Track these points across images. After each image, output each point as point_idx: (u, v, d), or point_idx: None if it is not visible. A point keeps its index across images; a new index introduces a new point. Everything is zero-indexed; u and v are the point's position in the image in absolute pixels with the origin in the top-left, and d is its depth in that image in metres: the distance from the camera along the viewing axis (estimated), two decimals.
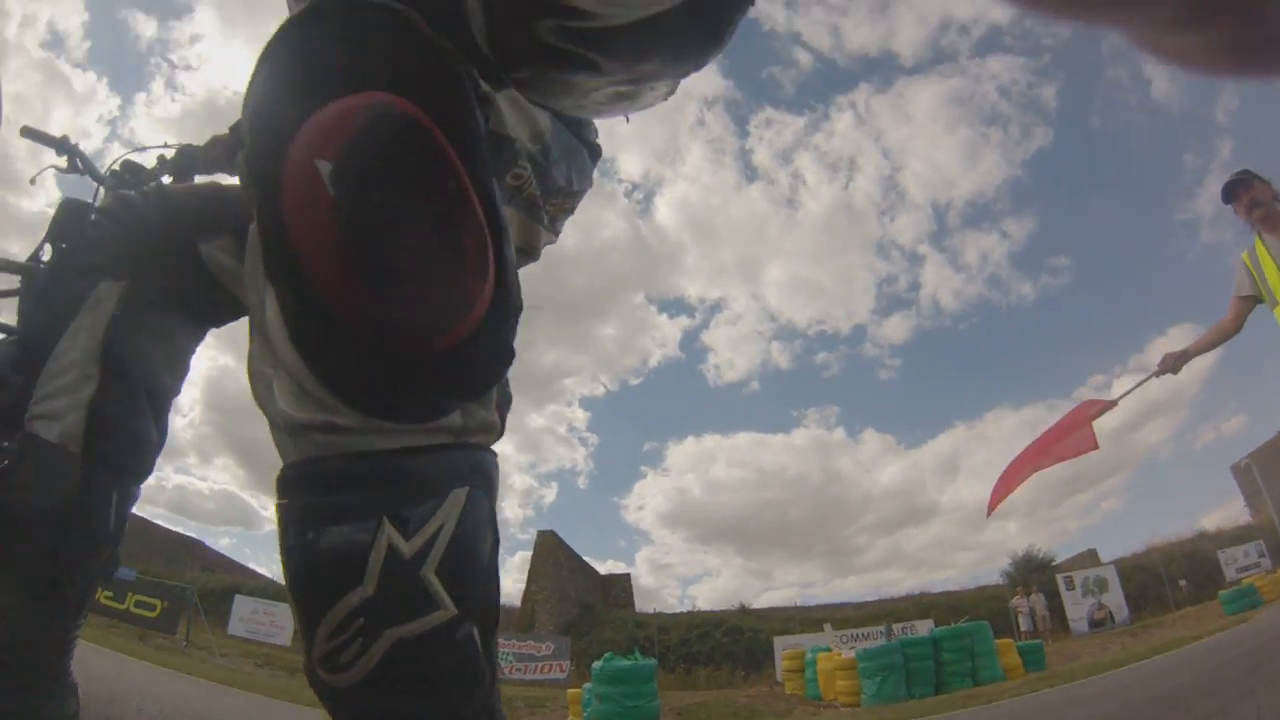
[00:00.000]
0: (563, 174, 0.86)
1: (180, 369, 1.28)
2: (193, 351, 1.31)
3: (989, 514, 5.65)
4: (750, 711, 10.12)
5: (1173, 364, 3.72)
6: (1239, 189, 3.49)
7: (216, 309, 1.26)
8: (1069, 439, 3.77)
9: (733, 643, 21.83)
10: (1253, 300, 3.62)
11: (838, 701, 10.51)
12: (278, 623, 16.98)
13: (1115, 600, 21.37)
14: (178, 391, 1.27)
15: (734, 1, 0.64)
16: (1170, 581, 23.64)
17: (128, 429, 1.12)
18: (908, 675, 9.88)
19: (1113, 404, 3.81)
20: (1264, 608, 11.94)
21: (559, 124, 0.83)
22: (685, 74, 0.76)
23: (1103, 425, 3.68)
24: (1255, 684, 2.87)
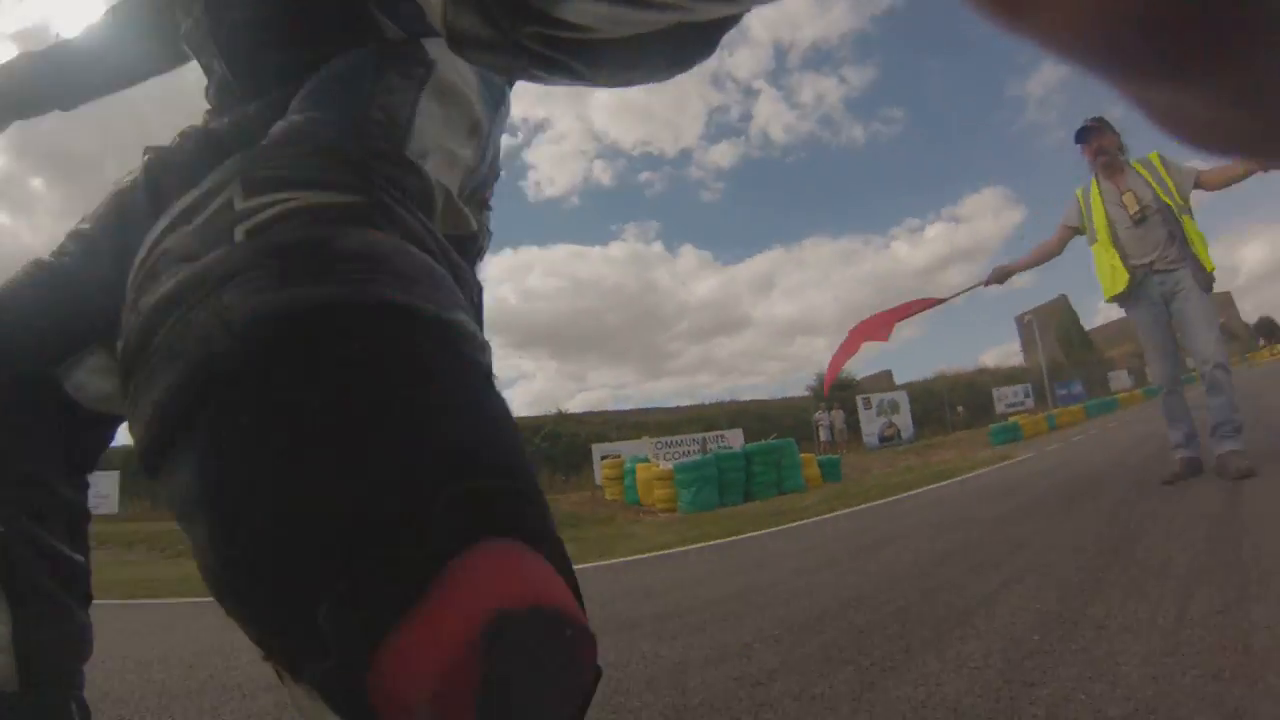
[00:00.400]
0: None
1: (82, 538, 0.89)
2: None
3: (826, 392, 6.02)
4: (575, 518, 10.56)
5: (999, 276, 4.12)
6: (1091, 135, 3.77)
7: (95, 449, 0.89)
8: (878, 326, 4.11)
9: (551, 447, 22.71)
10: (1075, 231, 3.97)
11: (655, 508, 11.25)
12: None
13: (904, 420, 24.58)
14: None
15: (729, 19, 0.46)
16: (950, 407, 27.55)
17: (62, 635, 0.83)
18: (720, 485, 10.64)
19: (941, 301, 4.20)
20: (1022, 442, 13.90)
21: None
22: (669, 78, 0.54)
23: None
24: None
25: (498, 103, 0.80)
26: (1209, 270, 3.55)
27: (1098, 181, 3.82)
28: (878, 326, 4.28)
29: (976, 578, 2.37)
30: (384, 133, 0.61)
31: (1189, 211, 3.64)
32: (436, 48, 0.72)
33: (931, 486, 7.00)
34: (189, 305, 0.42)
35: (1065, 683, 1.33)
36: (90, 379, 0.83)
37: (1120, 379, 35.04)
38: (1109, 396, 27.21)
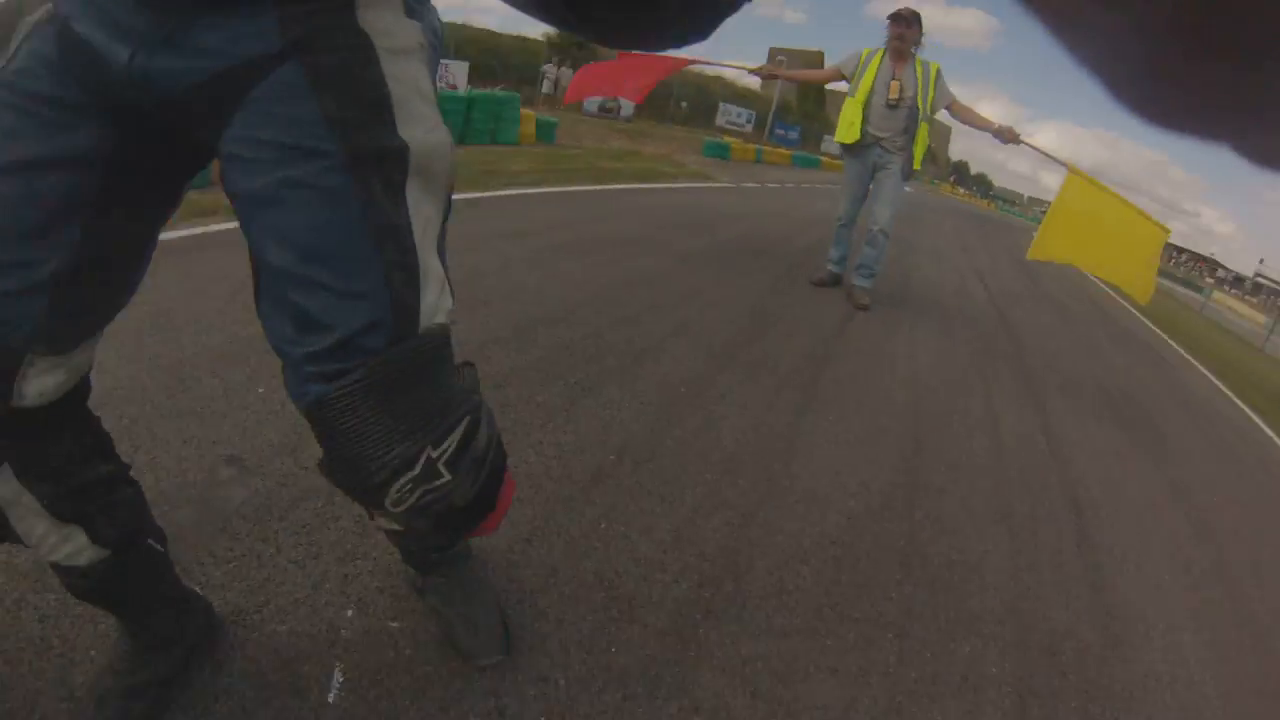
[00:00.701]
0: None
1: None
2: None
3: (564, 103, 5.67)
4: None
5: (766, 72, 4.68)
6: (901, 22, 4.23)
7: None
8: (637, 82, 4.49)
9: None
10: (842, 77, 4.50)
11: None
12: None
13: None
14: None
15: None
16: (676, 101, 28.34)
17: (116, 503, 0.89)
18: None
19: (706, 63, 5.24)
20: (728, 163, 15.30)
21: None
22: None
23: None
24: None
25: None
26: (915, 167, 4.39)
27: (883, 57, 4.32)
28: (636, 81, 4.49)
29: (655, 318, 3.15)
30: None
31: (928, 120, 4.32)
32: None
33: (638, 186, 7.67)
34: None
35: (698, 422, 2.18)
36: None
37: (832, 145, 37.25)
38: (816, 155, 29.18)
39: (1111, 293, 11.09)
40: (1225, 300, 34.78)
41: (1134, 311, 10.07)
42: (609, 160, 10.13)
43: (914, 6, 4.38)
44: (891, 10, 4.38)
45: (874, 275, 4.54)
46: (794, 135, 33.57)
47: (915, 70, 4.29)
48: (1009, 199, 72.06)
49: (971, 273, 8.00)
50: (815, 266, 5.13)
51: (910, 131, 4.32)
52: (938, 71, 4.31)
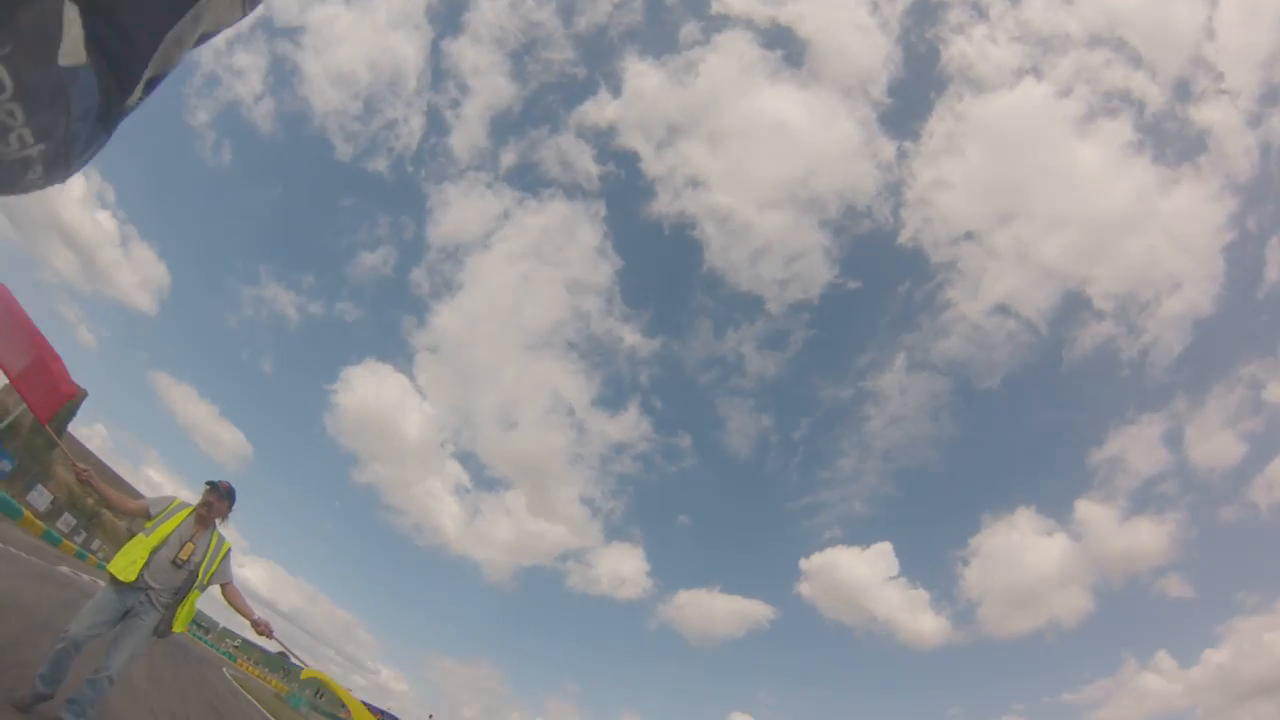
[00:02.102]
0: None
1: None
2: None
3: None
4: None
5: (82, 474, 4.61)
6: (215, 493, 4.82)
7: None
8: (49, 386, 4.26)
9: None
10: (146, 514, 4.65)
11: None
12: None
13: None
14: None
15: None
16: None
17: None
18: None
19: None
20: None
21: None
22: None
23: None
24: None
25: None
26: (173, 629, 4.48)
27: (189, 515, 4.66)
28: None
29: None
30: None
31: (202, 589, 4.59)
32: None
33: None
34: None
35: None
36: None
37: (43, 499, 29.22)
38: (20, 506, 24.42)
39: None
40: None
41: None
42: None
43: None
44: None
45: (84, 717, 4.12)
46: (5, 465, 27.46)
47: (211, 541, 4.64)
48: (206, 625, 75.03)
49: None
50: (19, 680, 4.42)
51: (182, 594, 4.47)
52: (228, 552, 4.73)
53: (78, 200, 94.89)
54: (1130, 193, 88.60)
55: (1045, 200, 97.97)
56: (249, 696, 21.53)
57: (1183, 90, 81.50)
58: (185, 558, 4.42)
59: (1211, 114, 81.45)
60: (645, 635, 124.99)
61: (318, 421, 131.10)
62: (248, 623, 4.66)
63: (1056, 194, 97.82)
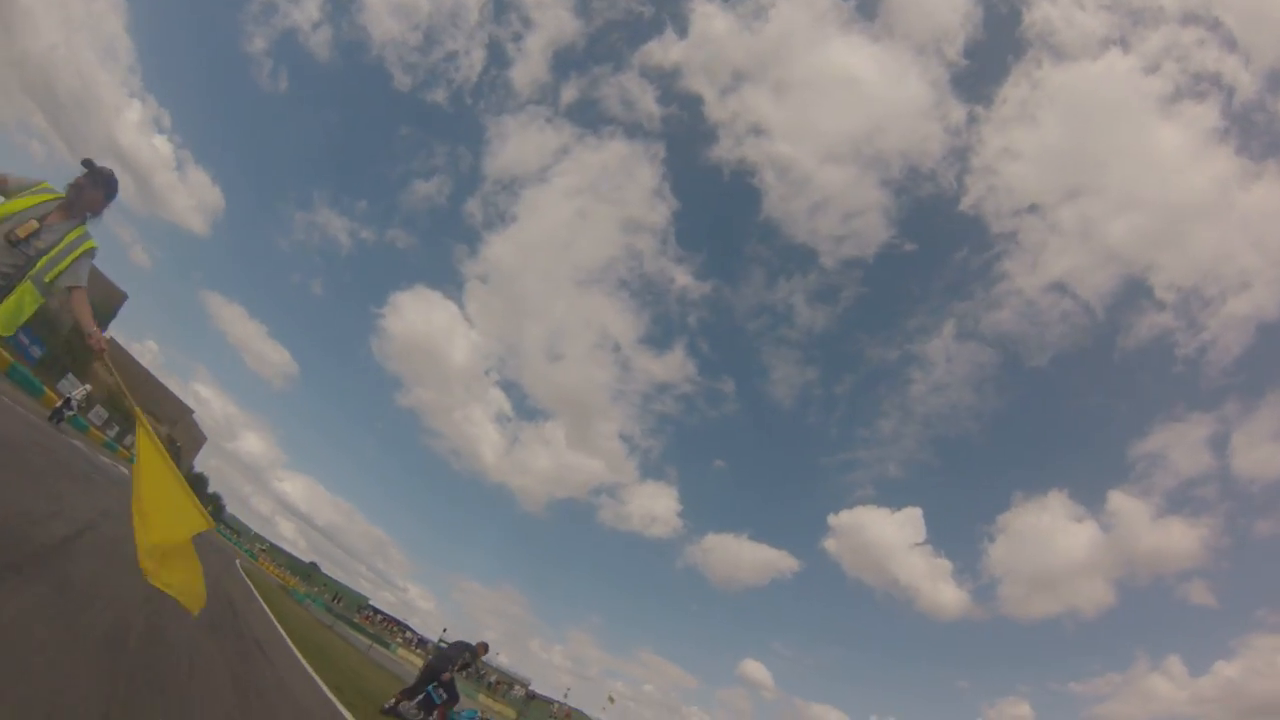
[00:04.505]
0: None
1: None
2: None
3: None
4: None
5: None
6: (90, 177, 3.94)
7: None
8: None
9: None
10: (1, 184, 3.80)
11: None
12: None
13: None
14: None
15: None
16: None
17: None
18: None
19: None
20: None
21: None
22: None
23: None
24: None
25: None
26: None
27: (54, 198, 3.85)
28: None
29: None
30: None
31: (40, 286, 3.71)
32: None
33: None
34: None
35: None
36: None
37: (71, 386, 28.98)
38: (40, 383, 25.38)
39: None
40: (405, 653, 47.18)
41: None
42: None
43: None
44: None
45: None
46: (36, 351, 28.35)
47: (70, 233, 3.83)
48: (238, 529, 71.83)
49: None
50: None
51: (11, 281, 3.65)
52: (87, 251, 3.89)
53: (134, 125, 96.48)
54: (1208, 182, 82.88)
55: (1117, 180, 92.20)
56: (246, 580, 22.54)
57: (1276, 80, 75.45)
58: (23, 235, 3.66)
59: None
60: (670, 575, 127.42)
61: (364, 345, 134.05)
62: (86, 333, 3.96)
63: (1130, 174, 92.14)
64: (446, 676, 10.81)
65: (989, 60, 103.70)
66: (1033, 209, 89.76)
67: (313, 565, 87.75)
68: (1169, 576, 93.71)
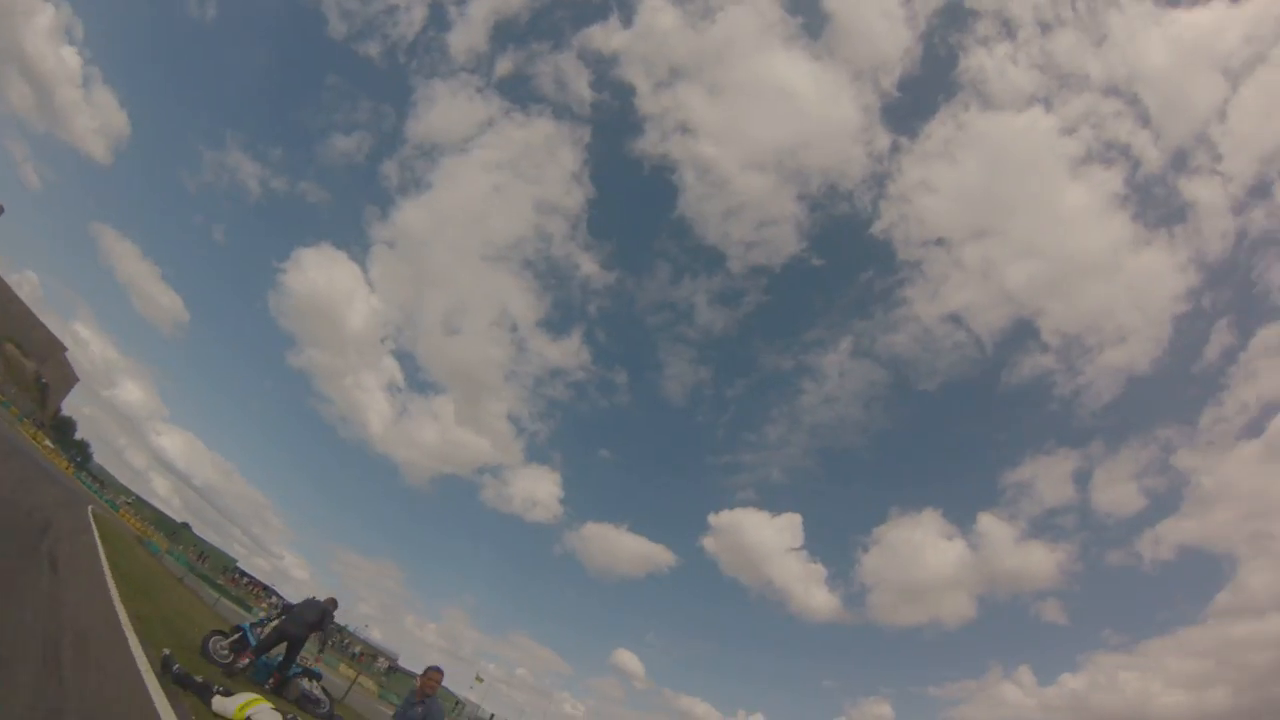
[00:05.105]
0: None
1: None
2: None
3: None
4: None
5: None
6: None
7: None
8: None
9: None
10: None
11: None
12: None
13: None
14: None
15: None
16: None
17: None
18: None
19: None
20: None
21: None
22: None
23: None
24: None
25: None
26: None
27: None
28: None
29: None
30: None
31: None
32: None
33: None
34: None
35: None
36: None
37: None
38: None
39: None
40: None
41: None
42: None
43: None
44: None
45: None
46: None
47: None
48: (103, 479, 70.45)
49: None
50: None
51: None
52: None
53: (43, 31, 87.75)
54: (1103, 242, 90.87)
55: (1022, 227, 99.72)
56: (91, 521, 21.35)
57: (1180, 160, 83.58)
58: None
59: (1200, 190, 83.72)
60: (549, 560, 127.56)
61: (261, 299, 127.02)
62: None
63: (1034, 224, 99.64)
64: (302, 633, 10.60)
65: (921, 96, 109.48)
66: (940, 242, 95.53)
67: (184, 525, 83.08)
68: (1026, 595, 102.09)
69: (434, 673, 7.92)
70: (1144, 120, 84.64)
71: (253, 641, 10.42)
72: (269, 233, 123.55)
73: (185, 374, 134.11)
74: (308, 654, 12.20)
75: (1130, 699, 79.90)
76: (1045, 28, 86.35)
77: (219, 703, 7.10)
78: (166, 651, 7.79)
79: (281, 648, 10.55)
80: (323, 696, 11.16)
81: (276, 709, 7.53)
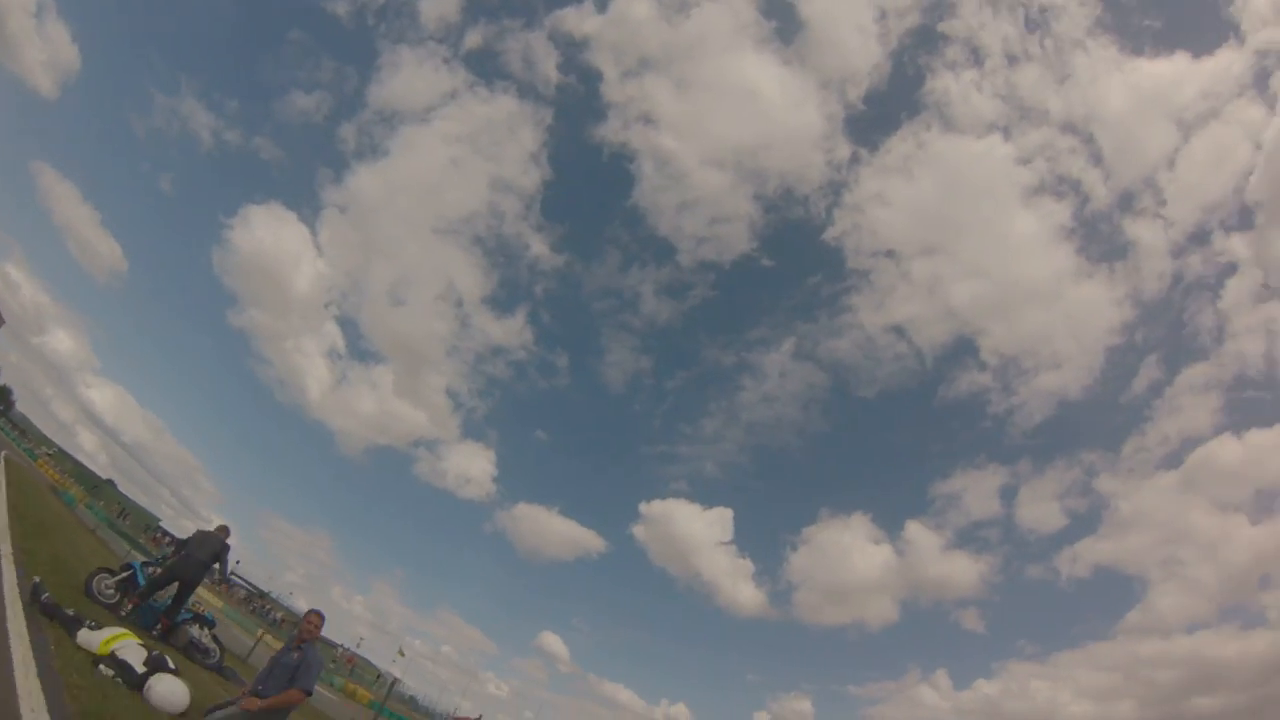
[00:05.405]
0: None
1: None
2: None
3: None
4: None
5: None
6: None
7: None
8: None
9: None
10: None
11: None
12: None
13: None
14: None
15: None
16: None
17: None
18: None
19: None
20: None
21: None
22: None
23: None
24: None
25: None
26: None
27: None
28: None
29: None
30: None
31: None
32: None
33: None
34: None
35: None
36: None
37: None
38: None
39: None
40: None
41: None
42: None
43: None
44: None
45: None
46: None
47: None
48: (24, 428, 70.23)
49: None
50: None
51: None
52: None
53: None
54: (1047, 270, 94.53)
55: (971, 248, 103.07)
56: (2, 471, 20.60)
57: (1126, 200, 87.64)
58: None
59: (1142, 231, 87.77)
60: (479, 538, 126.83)
61: (205, 254, 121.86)
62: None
63: (983, 246, 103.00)
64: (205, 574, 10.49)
65: (885, 111, 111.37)
66: (890, 254, 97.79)
67: (108, 482, 79.98)
68: (948, 602, 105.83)
69: (314, 616, 7.39)
70: (1097, 159, 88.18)
71: (142, 581, 10.11)
72: (218, 186, 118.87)
73: (120, 326, 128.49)
74: (203, 599, 11.99)
75: (1040, 707, 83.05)
76: (1012, 60, 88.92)
77: (85, 636, 7.11)
78: (37, 579, 7.74)
79: (173, 589, 10.29)
80: (213, 646, 11.02)
81: (144, 645, 7.52)
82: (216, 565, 10.71)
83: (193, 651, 10.53)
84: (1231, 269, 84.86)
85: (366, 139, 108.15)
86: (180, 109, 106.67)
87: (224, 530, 10.97)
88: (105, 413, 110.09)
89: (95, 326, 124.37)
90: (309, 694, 6.87)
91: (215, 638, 11.32)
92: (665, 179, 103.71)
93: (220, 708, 6.67)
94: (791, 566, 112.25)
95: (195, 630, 10.81)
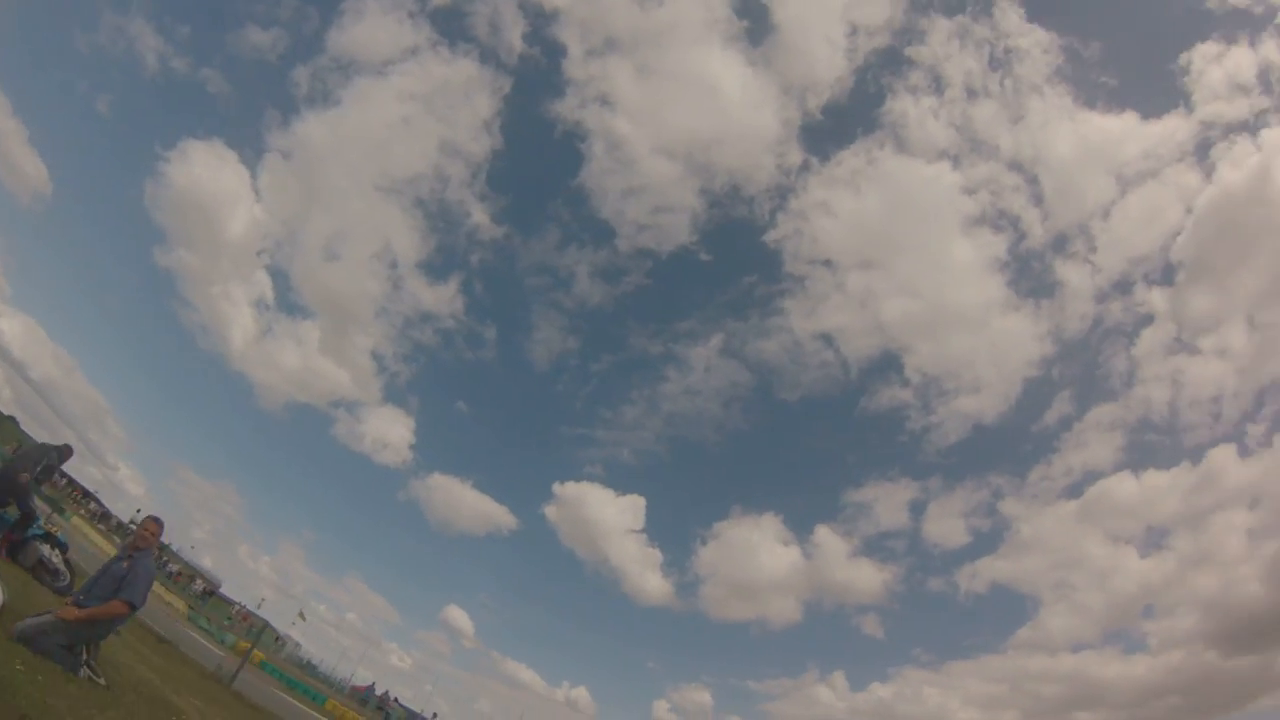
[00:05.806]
0: None
1: None
2: None
3: None
4: None
5: None
6: None
7: None
8: None
9: None
10: None
11: None
12: None
13: None
14: None
15: None
16: None
17: None
18: None
19: None
20: None
21: None
22: None
23: None
24: None
25: None
26: None
27: None
28: None
29: None
30: None
31: None
32: None
33: None
34: None
35: None
36: None
37: None
38: None
39: None
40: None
41: None
42: None
43: None
44: None
45: None
46: None
47: None
48: None
49: None
50: None
51: None
52: None
53: None
54: (978, 298, 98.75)
55: (907, 267, 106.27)
56: None
57: (1060, 242, 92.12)
58: None
59: (1071, 274, 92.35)
60: (391, 505, 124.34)
61: (137, 186, 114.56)
62: None
63: (919, 267, 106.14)
64: (25, 479, 9.93)
65: (842, 124, 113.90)
66: (827, 264, 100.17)
67: (10, 419, 75.30)
68: (850, 607, 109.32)
69: (151, 523, 6.89)
70: (1038, 199, 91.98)
71: (9, 521, 9.54)
72: (159, 115, 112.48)
73: (37, 252, 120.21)
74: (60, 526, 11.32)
75: (931, 712, 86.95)
76: (971, 94, 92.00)
77: None
78: None
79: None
80: (63, 569, 10.40)
81: None
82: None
83: (41, 573, 9.90)
84: (1148, 320, 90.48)
85: (319, 85, 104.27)
86: (128, 28, 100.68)
87: (68, 449, 10.47)
88: (12, 344, 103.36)
89: (8, 250, 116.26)
90: (135, 608, 6.47)
91: (68, 561, 10.67)
92: (614, 162, 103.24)
93: (36, 616, 6.27)
94: (700, 560, 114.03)
95: (46, 549, 10.18)
